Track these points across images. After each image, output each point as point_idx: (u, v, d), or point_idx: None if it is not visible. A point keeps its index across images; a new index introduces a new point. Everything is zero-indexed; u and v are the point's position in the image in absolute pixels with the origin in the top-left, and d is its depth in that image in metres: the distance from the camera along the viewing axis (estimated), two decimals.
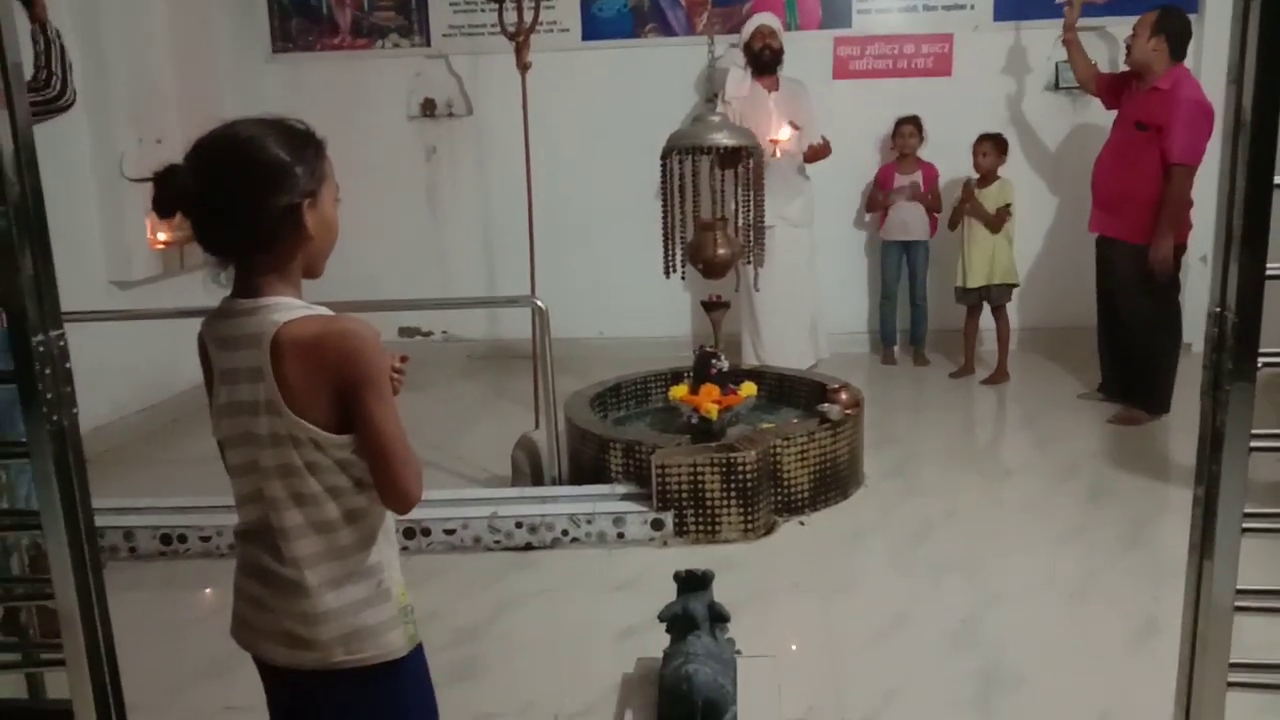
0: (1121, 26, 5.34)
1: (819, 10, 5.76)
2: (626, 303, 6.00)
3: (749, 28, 5.10)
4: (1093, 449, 4.10)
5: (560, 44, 5.84)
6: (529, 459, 3.59)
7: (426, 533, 3.24)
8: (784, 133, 4.80)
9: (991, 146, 5.07)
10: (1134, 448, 4.09)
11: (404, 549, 3.24)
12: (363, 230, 6.14)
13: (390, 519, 1.50)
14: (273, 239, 1.39)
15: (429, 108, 6.03)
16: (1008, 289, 5.14)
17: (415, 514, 3.27)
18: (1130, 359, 4.43)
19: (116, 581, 3.20)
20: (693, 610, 1.89)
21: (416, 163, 6.12)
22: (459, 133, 6.05)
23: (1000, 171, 5.10)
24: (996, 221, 5.01)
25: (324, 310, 1.42)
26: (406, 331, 6.26)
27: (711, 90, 4.92)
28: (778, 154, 4.69)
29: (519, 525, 3.24)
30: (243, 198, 1.36)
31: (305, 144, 1.42)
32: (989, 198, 5.05)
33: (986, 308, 5.24)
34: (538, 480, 3.59)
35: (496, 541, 3.25)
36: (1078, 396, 4.82)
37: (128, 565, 3.31)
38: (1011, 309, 5.29)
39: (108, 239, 4.76)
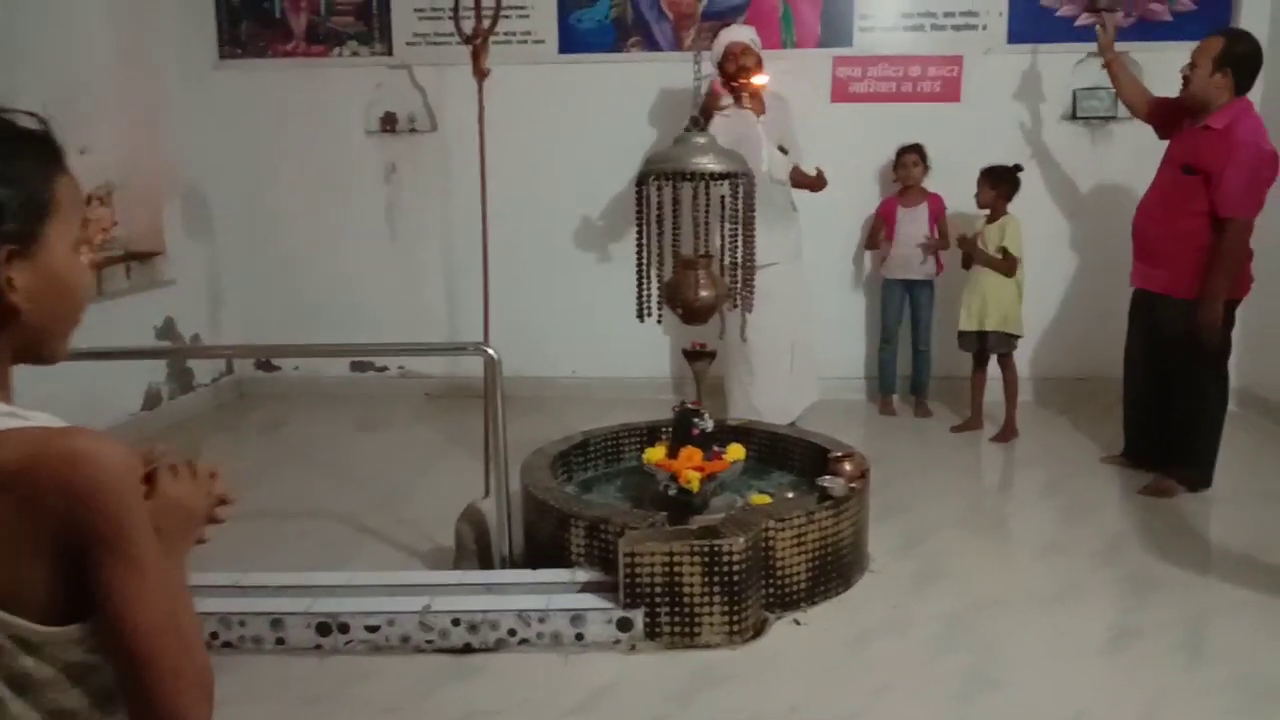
0: (1146, 54, 4.91)
1: (817, 27, 5.28)
2: (603, 340, 5.46)
3: (719, 45, 4.41)
4: (1127, 527, 3.58)
5: (535, 56, 5.34)
6: (475, 534, 3.03)
7: (344, 629, 2.67)
8: (761, 78, 4.18)
9: (985, 182, 4.59)
10: (1174, 527, 3.57)
11: (316, 647, 2.69)
12: (314, 253, 5.64)
13: None
14: None
15: (389, 122, 5.50)
16: (1006, 339, 4.63)
17: (332, 605, 2.71)
18: (1167, 425, 3.91)
19: None
20: None
21: (375, 181, 5.59)
22: (422, 149, 5.52)
23: (1020, 206, 4.62)
24: (1003, 265, 4.51)
25: (42, 418, 0.87)
26: (359, 366, 5.71)
27: (694, 112, 4.41)
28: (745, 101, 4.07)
29: (456, 623, 2.67)
30: None
31: (18, 154, 0.88)
32: (989, 238, 4.57)
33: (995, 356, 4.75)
34: (485, 559, 3.03)
35: (429, 642, 2.68)
36: (1100, 460, 4.31)
37: None
38: (1021, 359, 4.79)
39: None
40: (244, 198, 5.58)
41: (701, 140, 2.95)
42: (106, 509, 0.81)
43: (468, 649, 2.69)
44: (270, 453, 4.65)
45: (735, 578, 2.67)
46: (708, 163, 2.88)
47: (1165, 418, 3.93)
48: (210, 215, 5.55)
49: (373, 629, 2.68)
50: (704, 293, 3.04)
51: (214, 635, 2.69)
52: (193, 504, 0.97)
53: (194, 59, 5.46)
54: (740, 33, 4.42)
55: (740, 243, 3.00)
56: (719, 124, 4.21)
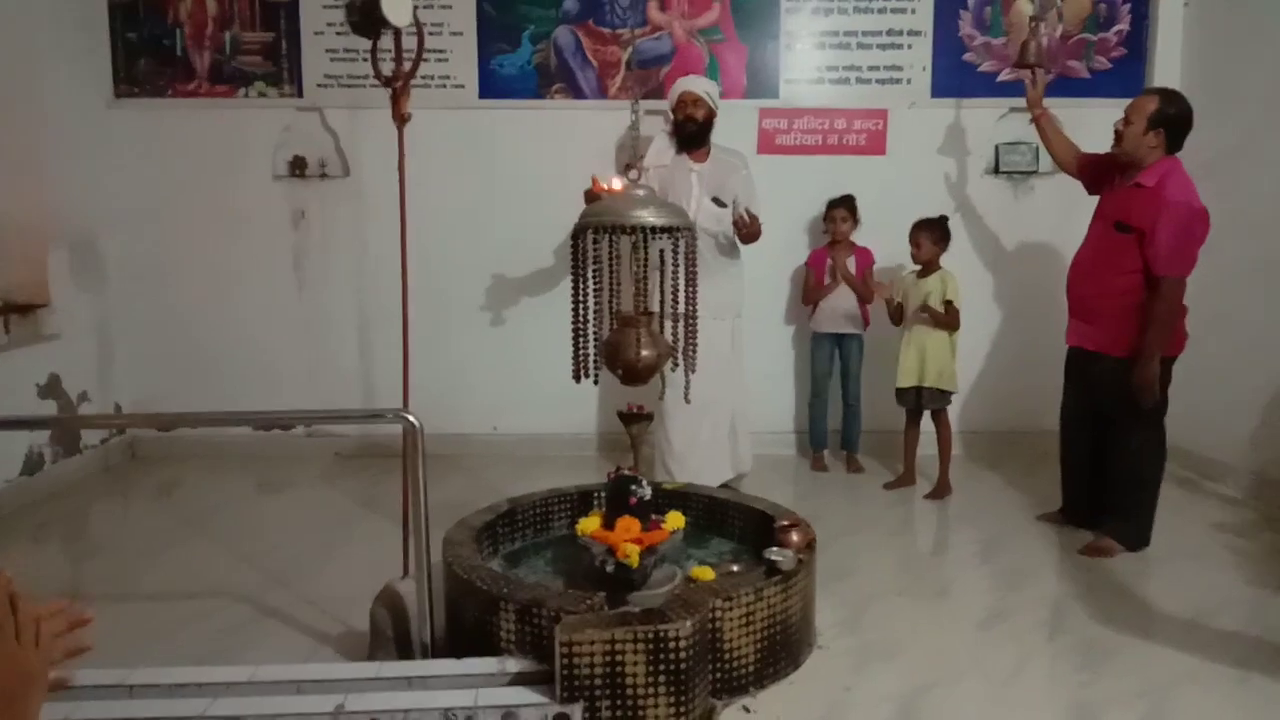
0: (1064, 109, 4.96)
1: (744, 79, 5.23)
2: (525, 395, 5.25)
3: (674, 93, 4.35)
4: (1071, 590, 3.49)
5: (454, 101, 5.15)
6: (393, 619, 2.76)
7: None
8: (615, 182, 3.86)
9: (925, 236, 4.54)
10: (1118, 590, 3.49)
11: None
12: (215, 304, 5.28)
13: None
14: None
15: (299, 166, 5.23)
16: (942, 394, 4.57)
17: (232, 707, 2.41)
18: (1105, 484, 3.87)
19: None
20: None
21: (282, 228, 5.30)
22: (333, 196, 5.26)
23: (943, 261, 4.58)
24: (947, 320, 4.46)
25: None
26: (263, 424, 5.35)
27: (626, 160, 4.29)
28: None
29: None
30: None
31: None
32: (930, 291, 4.51)
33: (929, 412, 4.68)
34: (404, 646, 2.75)
35: None
36: (1036, 518, 4.25)
37: None
38: (952, 414, 4.74)
39: None
40: (139, 245, 5.22)
41: (641, 192, 2.79)
42: None
43: None
44: (163, 522, 4.28)
45: (682, 665, 2.46)
46: (648, 216, 2.71)
47: (1102, 476, 3.89)
48: (102, 264, 5.17)
49: None
50: (645, 352, 2.85)
51: None
52: (25, 665, 0.74)
53: (86, 97, 5.11)
54: (697, 84, 4.33)
55: (681, 300, 2.84)
56: (655, 170, 4.16)
